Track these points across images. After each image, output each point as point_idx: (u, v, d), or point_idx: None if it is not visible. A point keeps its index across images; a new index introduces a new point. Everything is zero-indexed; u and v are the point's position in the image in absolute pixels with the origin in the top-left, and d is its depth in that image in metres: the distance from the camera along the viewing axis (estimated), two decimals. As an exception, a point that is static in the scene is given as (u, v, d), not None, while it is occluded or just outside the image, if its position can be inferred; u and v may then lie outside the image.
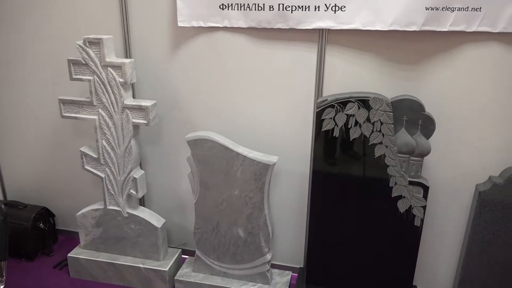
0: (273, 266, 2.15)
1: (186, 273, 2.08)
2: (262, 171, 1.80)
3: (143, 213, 2.07)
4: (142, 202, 2.27)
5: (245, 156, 1.80)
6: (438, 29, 1.62)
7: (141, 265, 2.07)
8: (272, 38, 1.84)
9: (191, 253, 2.16)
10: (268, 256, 1.95)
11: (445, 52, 1.69)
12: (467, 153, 1.79)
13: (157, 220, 2.07)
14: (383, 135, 1.65)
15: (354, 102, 1.65)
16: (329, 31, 1.76)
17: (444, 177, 1.84)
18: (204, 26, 1.86)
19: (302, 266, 2.17)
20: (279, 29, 1.79)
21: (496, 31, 1.59)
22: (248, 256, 1.97)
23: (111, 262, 2.10)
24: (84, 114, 1.94)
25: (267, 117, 1.97)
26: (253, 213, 1.88)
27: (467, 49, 1.67)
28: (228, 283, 2.00)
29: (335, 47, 1.79)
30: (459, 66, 1.69)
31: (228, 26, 1.84)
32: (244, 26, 1.82)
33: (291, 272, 2.12)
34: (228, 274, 2.03)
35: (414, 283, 1.94)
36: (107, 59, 1.81)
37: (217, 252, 2.01)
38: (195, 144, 1.84)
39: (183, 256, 2.24)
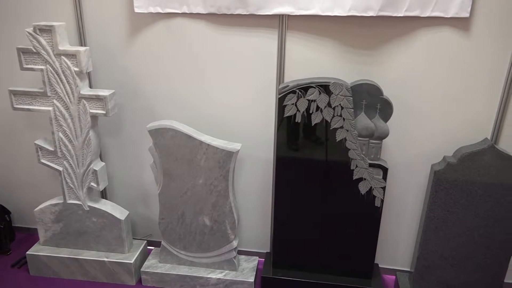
0: (240, 252, 2.17)
1: (152, 264, 2.05)
2: (226, 158, 1.80)
3: (105, 205, 2.02)
4: (104, 194, 2.21)
5: (208, 144, 1.79)
6: (394, 15, 1.66)
7: (106, 259, 2.03)
8: (232, 24, 1.82)
9: (157, 244, 2.14)
10: (235, 243, 1.96)
11: (401, 37, 1.74)
12: (422, 135, 1.86)
13: (120, 212, 2.03)
14: (343, 119, 1.69)
15: (315, 88, 1.66)
16: (289, 16, 1.76)
17: (401, 158, 1.91)
18: (162, 12, 1.81)
19: (268, 251, 2.20)
20: (239, 15, 1.78)
21: (448, 16, 1.65)
22: (215, 244, 1.97)
23: (74, 258, 2.04)
24: (37, 105, 1.85)
25: (230, 104, 1.95)
26: (218, 201, 1.88)
27: (421, 34, 1.72)
28: (195, 271, 2.00)
29: (296, 33, 1.79)
30: (414, 51, 1.74)
31: (187, 12, 1.80)
32: (203, 12, 1.79)
33: (257, 257, 2.15)
34: (195, 263, 2.03)
35: (376, 261, 2.02)
36: (60, 47, 1.73)
37: (183, 241, 2.00)
38: (156, 133, 1.81)
39: (148, 247, 2.21)
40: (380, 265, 2.09)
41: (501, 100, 1.75)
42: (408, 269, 2.07)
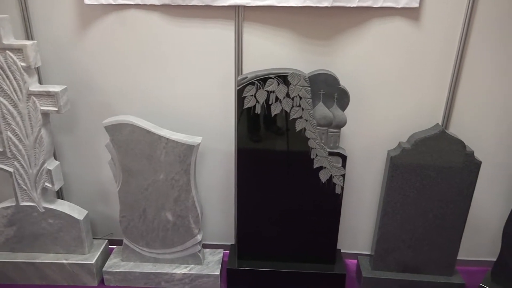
0: (205, 246, 2.16)
1: (114, 264, 2.01)
2: (186, 152, 1.78)
3: (62, 206, 1.94)
4: (60, 194, 2.13)
5: (168, 139, 1.76)
6: (348, 5, 1.69)
7: (65, 261, 1.96)
8: (188, 15, 1.78)
9: (119, 243, 2.09)
10: (199, 237, 1.95)
11: (355, 27, 1.77)
12: (378, 122, 1.92)
13: (78, 212, 1.96)
14: (302, 109, 1.71)
15: (273, 79, 1.67)
16: (245, 7, 1.75)
17: (359, 146, 1.97)
18: (114, 3, 1.75)
19: (233, 243, 2.20)
20: (194, 6, 1.75)
21: (399, 7, 1.70)
22: (179, 239, 1.95)
23: (30, 262, 1.96)
24: (-18, 103, 1.75)
25: (189, 97, 1.93)
26: (181, 196, 1.86)
27: (374, 24, 1.76)
28: (159, 268, 1.98)
29: (252, 24, 1.79)
30: (368, 40, 1.79)
31: (141, 3, 1.75)
32: (158, 3, 1.74)
33: (222, 250, 2.15)
34: (159, 259, 2.00)
35: (338, 247, 2.07)
36: (4, 41, 1.63)
37: (146, 238, 1.96)
38: (113, 129, 1.76)
39: (110, 246, 2.16)
40: (342, 250, 2.15)
41: (450, 87, 1.83)
42: (369, 253, 2.14)
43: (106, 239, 2.15)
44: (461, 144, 1.72)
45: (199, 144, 1.79)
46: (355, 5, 1.69)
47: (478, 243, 2.14)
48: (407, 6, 1.70)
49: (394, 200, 1.84)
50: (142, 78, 1.90)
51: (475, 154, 1.75)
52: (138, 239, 1.97)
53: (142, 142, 1.77)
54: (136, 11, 1.78)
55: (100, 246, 2.07)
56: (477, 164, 1.75)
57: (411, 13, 1.73)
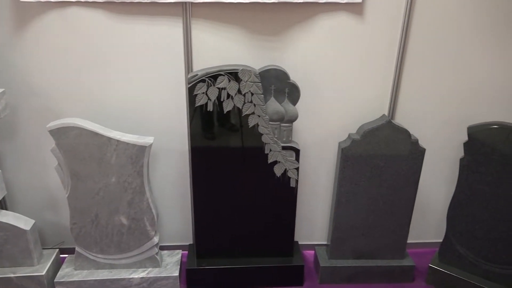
0: (163, 248, 2.12)
1: (67, 273, 1.92)
2: (138, 153, 1.73)
3: (6, 217, 1.83)
4: (3, 205, 2.00)
5: (118, 140, 1.71)
6: (295, 1, 1.71)
7: (12, 275, 1.85)
8: (133, 12, 1.73)
9: (71, 251, 2.00)
10: (156, 239, 1.91)
11: (302, 22, 1.80)
12: (329, 115, 1.97)
13: (24, 223, 1.85)
14: (254, 105, 1.72)
15: (224, 75, 1.66)
16: (192, 4, 1.73)
17: (312, 139, 2.01)
18: (53, 0, 1.66)
19: (191, 242, 2.18)
20: (139, 3, 1.70)
21: (343, 2, 1.75)
22: (135, 243, 1.90)
23: (-27, 278, 1.83)
24: None
25: (139, 97, 1.88)
26: (135, 198, 1.81)
27: (321, 19, 1.80)
28: (116, 274, 1.92)
29: (201, 20, 1.77)
30: (315, 35, 1.82)
31: (82, 0, 1.68)
32: (100, 0, 1.68)
33: (181, 250, 2.12)
34: (115, 265, 1.94)
35: (296, 239, 2.11)
36: None
37: (100, 244, 1.89)
38: (59, 133, 1.68)
39: (62, 255, 2.07)
40: (300, 242, 2.19)
41: (394, 79, 1.91)
42: (325, 243, 2.20)
43: (57, 248, 2.05)
44: (406, 133, 1.81)
45: (151, 145, 1.75)
46: (301, 1, 1.72)
47: (425, 226, 2.25)
48: (351, 1, 1.75)
49: (347, 190, 1.90)
50: (87, 79, 1.82)
51: (419, 142, 1.84)
52: (92, 245, 1.90)
53: (90, 145, 1.70)
54: (78, 9, 1.71)
55: (51, 256, 1.97)
56: (422, 152, 1.84)
57: (355, 8, 1.79)
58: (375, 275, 2.03)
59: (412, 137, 1.82)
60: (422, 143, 1.86)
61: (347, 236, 1.99)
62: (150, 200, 1.83)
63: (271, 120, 1.75)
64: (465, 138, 1.79)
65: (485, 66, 1.92)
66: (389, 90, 1.95)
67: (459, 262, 1.97)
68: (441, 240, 2.02)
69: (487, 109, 2.00)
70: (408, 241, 2.07)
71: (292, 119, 1.77)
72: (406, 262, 2.05)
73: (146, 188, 1.81)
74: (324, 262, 2.03)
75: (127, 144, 1.71)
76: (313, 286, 2.02)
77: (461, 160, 1.83)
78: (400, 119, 1.99)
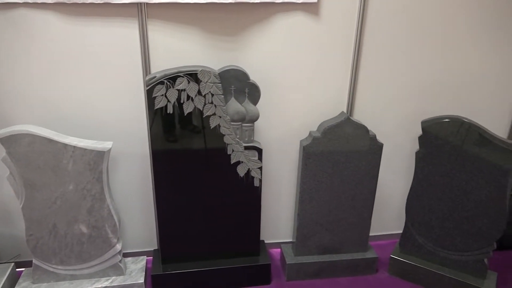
0: (126, 255, 2.07)
1: None
2: (96, 159, 1.68)
3: (-45, 232, 1.73)
4: (-49, 219, 1.89)
5: (74, 146, 1.65)
6: (251, 1, 1.72)
7: (-37, 293, 1.75)
8: (86, 14, 1.68)
9: (28, 264, 1.91)
10: (118, 246, 1.86)
11: (260, 22, 1.81)
12: (289, 114, 1.99)
13: (-25, 237, 1.76)
14: (215, 106, 1.71)
15: (183, 77, 1.64)
16: (147, 5, 1.70)
17: (273, 137, 2.02)
18: (-2, 2, 1.58)
19: (156, 247, 2.14)
20: (92, 4, 1.65)
21: (299, 2, 1.78)
22: (96, 252, 1.84)
23: None
24: None
25: (95, 101, 1.82)
26: (94, 205, 1.75)
27: (278, 18, 1.82)
28: (77, 285, 1.85)
29: (157, 21, 1.74)
30: (273, 35, 1.84)
31: (30, 1, 1.61)
32: (50, 2, 1.61)
33: (145, 256, 2.08)
34: (77, 275, 1.87)
35: (262, 238, 2.12)
36: None
37: (59, 255, 1.82)
38: (9, 141, 1.60)
39: (18, 269, 1.97)
40: (266, 241, 2.20)
41: (351, 76, 1.96)
42: (291, 240, 2.22)
43: (12, 262, 1.95)
44: (364, 129, 1.86)
45: (110, 149, 1.70)
46: (258, 1, 1.73)
47: (386, 218, 2.33)
48: (306, 1, 1.77)
49: (309, 187, 1.92)
50: (40, 83, 1.75)
51: (377, 137, 1.90)
52: (50, 257, 1.82)
53: (44, 152, 1.63)
54: (26, 10, 1.63)
55: (6, 271, 1.88)
56: (380, 147, 1.90)
57: (311, 8, 1.82)
58: (340, 268, 2.08)
59: (370, 133, 1.87)
60: (380, 138, 1.92)
61: (311, 232, 2.02)
62: (111, 207, 1.78)
63: (233, 120, 1.75)
64: (420, 132, 1.86)
65: (437, 63, 2.01)
66: (347, 88, 1.99)
67: (418, 252, 2.05)
68: (401, 231, 2.09)
69: (440, 104, 2.09)
70: (371, 234, 2.13)
71: (253, 119, 1.78)
72: (369, 254, 2.10)
73: (106, 195, 1.75)
74: (290, 259, 2.05)
75: (84, 150, 1.66)
76: (281, 284, 2.04)
77: (417, 153, 1.91)
78: (358, 116, 2.04)
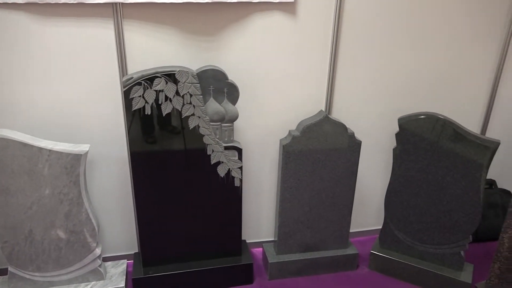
0: (106, 259, 2.04)
1: (0, 296, 1.79)
2: (73, 162, 1.65)
3: None
4: None
5: (50, 150, 1.61)
6: (228, 1, 1.72)
7: None
8: (60, 14, 1.64)
9: (4, 272, 1.86)
10: (98, 251, 1.83)
11: (238, 21, 1.81)
12: (269, 113, 2.00)
13: None
14: (194, 106, 1.70)
15: (161, 77, 1.63)
16: (123, 5, 1.67)
17: (253, 137, 2.03)
18: (-34, 2, 1.53)
19: (137, 251, 2.11)
20: (65, 4, 1.61)
21: (276, 1, 1.78)
22: (75, 257, 1.81)
23: None
24: None
25: (71, 103, 1.78)
26: (72, 210, 1.72)
27: (256, 18, 1.82)
28: (56, 291, 1.81)
29: (133, 21, 1.72)
30: (251, 34, 1.84)
31: (0, 2, 1.56)
32: (21, 2, 1.57)
33: (126, 260, 2.05)
34: (55, 282, 1.83)
35: (243, 238, 2.12)
36: None
37: (36, 262, 1.78)
38: (-19, 146, 1.55)
39: (-7, 277, 1.92)
40: (248, 241, 2.20)
41: (329, 75, 1.98)
42: (273, 239, 2.23)
43: (-13, 270, 1.90)
44: (343, 127, 1.88)
45: (87, 152, 1.67)
46: (235, 1, 1.72)
47: (366, 215, 2.36)
48: (283, 0, 1.78)
49: (290, 186, 1.94)
50: (13, 86, 1.70)
51: (356, 135, 1.92)
52: (27, 264, 1.77)
53: (19, 157, 1.59)
54: (-4, 11, 1.59)
55: (-20, 279, 1.83)
56: (358, 144, 1.92)
57: (288, 7, 1.82)
58: (322, 266, 2.10)
59: (349, 131, 1.90)
60: (358, 135, 1.94)
61: (293, 230, 2.04)
62: (89, 211, 1.75)
63: (212, 120, 1.74)
64: (397, 129, 1.90)
65: (412, 60, 2.05)
66: (325, 86, 2.01)
67: (397, 246, 2.09)
68: (380, 227, 2.13)
69: (416, 101, 2.14)
70: (351, 230, 2.16)
71: (233, 119, 1.77)
72: (350, 250, 2.13)
73: (84, 199, 1.72)
74: (272, 258, 2.06)
75: (60, 153, 1.62)
76: (263, 283, 2.05)
77: (394, 150, 1.94)
78: (337, 114, 2.06)
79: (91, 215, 1.75)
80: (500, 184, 2.42)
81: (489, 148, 1.75)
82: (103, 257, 1.93)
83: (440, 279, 1.98)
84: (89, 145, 1.70)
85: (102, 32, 1.70)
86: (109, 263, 2.01)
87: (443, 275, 1.97)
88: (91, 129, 1.84)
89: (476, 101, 2.22)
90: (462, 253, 1.96)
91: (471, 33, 2.06)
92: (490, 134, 2.30)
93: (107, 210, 2.01)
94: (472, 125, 2.26)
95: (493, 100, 2.22)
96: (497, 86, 2.20)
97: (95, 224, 1.78)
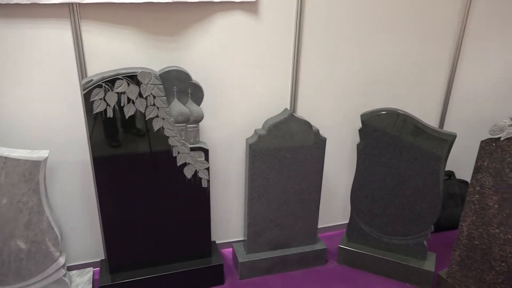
0: (71, 268, 1.97)
1: (-43, 313, 1.69)
2: (32, 170, 1.58)
3: None
4: None
5: (6, 157, 1.54)
6: (190, 0, 1.70)
7: None
8: (12, 15, 1.57)
9: (-40, 287, 1.76)
10: (62, 260, 1.76)
11: (200, 21, 1.80)
12: (234, 112, 2.00)
13: None
14: (158, 108, 1.67)
15: (122, 79, 1.59)
16: (80, 5, 1.62)
17: (219, 137, 2.02)
18: None
19: (103, 257, 2.06)
20: (18, 5, 1.55)
21: (238, 1, 1.78)
22: (37, 268, 1.74)
23: None
24: None
25: (29, 108, 1.71)
26: (32, 219, 1.65)
27: (218, 18, 1.81)
28: (18, 304, 1.74)
29: (92, 22, 1.67)
30: (214, 34, 1.83)
31: None
32: (-31, 2, 1.49)
33: (92, 268, 1.99)
34: (16, 294, 1.76)
35: (213, 239, 2.11)
36: None
37: (-5, 275, 1.70)
38: None
39: None
40: (217, 241, 2.19)
41: (293, 73, 2.00)
42: (242, 238, 2.23)
43: None
44: (308, 124, 1.90)
45: (46, 159, 1.61)
46: (197, 0, 1.71)
47: (333, 210, 2.41)
48: (245, 0, 1.78)
49: (258, 184, 1.94)
50: (-38, 91, 1.62)
51: (321, 132, 1.95)
52: (-15, 277, 1.69)
53: (-28, 165, 1.51)
54: None
55: None
56: (323, 141, 1.95)
57: (250, 7, 1.83)
58: (292, 262, 2.12)
59: (314, 128, 1.93)
60: (323, 133, 1.98)
61: (262, 229, 2.04)
62: (50, 219, 1.68)
63: (177, 122, 1.72)
64: (360, 125, 1.94)
65: (372, 58, 2.11)
66: (289, 85, 2.03)
67: (364, 239, 2.14)
68: (347, 222, 2.17)
69: (378, 97, 2.20)
70: (319, 226, 2.19)
71: (198, 120, 1.76)
72: (319, 246, 2.16)
73: (45, 207, 1.66)
74: (242, 257, 2.06)
75: (17, 160, 1.55)
76: (234, 283, 2.04)
77: (358, 145, 1.99)
78: (302, 112, 2.09)
79: (53, 224, 1.69)
80: (458, 175, 2.53)
81: (447, 141, 1.83)
82: (68, 266, 1.87)
83: (405, 269, 2.05)
84: (48, 151, 1.64)
85: (59, 34, 1.64)
86: (74, 272, 1.95)
87: (408, 265, 2.03)
88: (51, 134, 1.77)
89: (434, 97, 2.31)
90: (425, 242, 2.04)
91: (427, 32, 2.14)
92: (448, 127, 2.40)
93: (70, 217, 1.94)
94: (430, 119, 2.35)
95: (449, 95, 2.32)
96: (452, 82, 2.29)
97: (57, 233, 1.71)
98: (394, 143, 1.92)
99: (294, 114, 1.89)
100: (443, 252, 2.23)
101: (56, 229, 1.71)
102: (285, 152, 1.91)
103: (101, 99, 1.59)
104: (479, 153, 1.71)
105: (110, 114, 1.62)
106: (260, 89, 1.99)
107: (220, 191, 2.13)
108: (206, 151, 1.80)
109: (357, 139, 1.99)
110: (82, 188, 1.91)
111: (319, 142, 1.95)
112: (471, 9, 2.16)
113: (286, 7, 1.88)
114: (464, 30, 2.18)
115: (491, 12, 2.21)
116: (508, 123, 1.61)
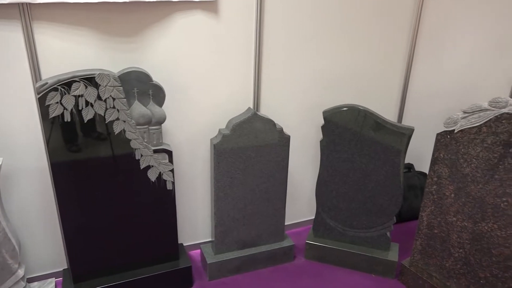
0: (32, 279, 1.89)
1: None
2: (-15, 178, 1.51)
3: None
4: None
5: (-45, 167, 1.46)
6: (147, 0, 1.67)
7: None
8: (-44, 17, 1.49)
9: None
10: (21, 272, 1.69)
11: (159, 21, 1.77)
12: (197, 113, 1.98)
13: None
14: (118, 110, 1.63)
15: (79, 82, 1.54)
16: (31, 5, 1.55)
17: (183, 138, 2.00)
18: None
19: (66, 267, 1.99)
20: (-37, 6, 1.47)
21: (197, 0, 1.77)
22: (-6, 281, 1.66)
23: None
24: None
25: (-23, 114, 1.63)
26: (-13, 230, 1.57)
27: (178, 17, 1.79)
28: (-26, 321, 1.65)
29: (45, 23, 1.60)
30: (174, 34, 1.81)
31: None
32: None
33: (54, 278, 1.92)
34: (-28, 311, 1.67)
35: (180, 241, 2.08)
36: None
37: None
38: None
39: None
40: (185, 244, 2.17)
41: (255, 72, 2.01)
42: (210, 239, 2.22)
43: None
44: (271, 123, 1.92)
45: (0, 166, 1.53)
46: (154, 0, 1.68)
47: (299, 206, 2.44)
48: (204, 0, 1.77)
49: (223, 184, 1.94)
50: None
51: (284, 130, 1.97)
52: None
53: None
54: None
55: None
56: (287, 139, 1.98)
57: (210, 6, 1.82)
58: (260, 260, 2.13)
59: (277, 126, 1.94)
60: (286, 130, 2.00)
61: (229, 229, 2.04)
62: (7, 230, 1.60)
63: (138, 124, 1.69)
64: (322, 122, 1.98)
65: (332, 55, 2.15)
66: (251, 83, 2.04)
67: (330, 234, 2.18)
68: (313, 217, 2.21)
69: (339, 94, 2.24)
70: (286, 223, 2.22)
71: (160, 121, 1.73)
72: (286, 243, 2.19)
73: (1, 217, 1.58)
74: (210, 258, 2.05)
75: (-32, 169, 1.47)
76: (203, 284, 2.03)
77: (321, 142, 2.02)
78: (265, 110, 2.10)
79: (9, 234, 1.62)
80: (418, 167, 2.63)
81: (405, 134, 1.89)
82: (28, 278, 1.80)
83: (370, 261, 2.10)
84: (2, 158, 1.56)
85: (9, 36, 1.57)
86: (35, 283, 1.87)
87: (373, 256, 2.09)
88: (4, 140, 1.69)
89: (392, 93, 2.39)
90: (388, 234, 2.10)
91: (384, 32, 2.21)
92: (406, 122, 2.49)
93: (29, 226, 1.86)
94: (389, 114, 2.43)
95: (406, 91, 2.41)
96: (409, 79, 2.38)
97: (15, 243, 1.64)
98: (355, 138, 1.96)
99: (258, 113, 1.90)
100: (406, 242, 2.31)
101: (13, 240, 1.63)
102: (250, 151, 1.92)
103: (57, 102, 1.53)
104: (435, 145, 1.79)
105: (67, 118, 1.57)
106: (223, 89, 1.99)
107: (186, 192, 2.11)
108: (169, 153, 1.77)
109: (320, 136, 2.02)
110: (40, 195, 1.83)
111: (283, 140, 1.97)
112: (423, 10, 2.25)
113: (246, 6, 1.88)
114: (417, 30, 2.27)
115: (441, 12, 2.31)
116: (461, 116, 1.69)
